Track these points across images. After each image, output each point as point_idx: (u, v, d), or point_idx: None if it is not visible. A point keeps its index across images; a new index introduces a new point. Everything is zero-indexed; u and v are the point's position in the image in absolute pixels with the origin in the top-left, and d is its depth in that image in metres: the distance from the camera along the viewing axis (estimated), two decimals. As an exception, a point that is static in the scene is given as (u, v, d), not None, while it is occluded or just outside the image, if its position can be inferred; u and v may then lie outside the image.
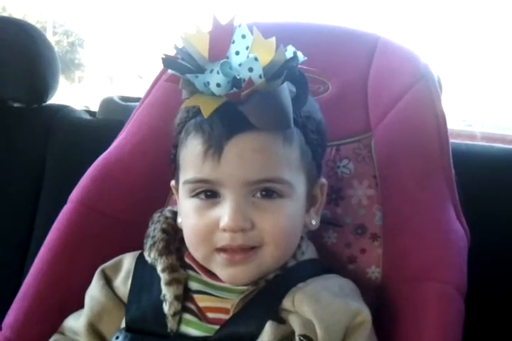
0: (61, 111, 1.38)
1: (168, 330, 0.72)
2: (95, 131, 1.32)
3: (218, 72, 0.65)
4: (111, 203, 0.89)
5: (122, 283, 0.78)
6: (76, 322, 0.79)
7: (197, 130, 0.71)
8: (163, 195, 0.92)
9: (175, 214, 0.81)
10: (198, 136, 0.71)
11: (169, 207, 0.85)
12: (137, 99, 1.01)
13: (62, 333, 0.81)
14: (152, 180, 0.91)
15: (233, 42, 0.68)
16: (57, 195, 0.96)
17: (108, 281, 0.79)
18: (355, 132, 0.91)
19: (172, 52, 0.70)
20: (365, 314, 0.71)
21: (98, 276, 0.80)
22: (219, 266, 0.72)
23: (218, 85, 0.66)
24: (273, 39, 0.68)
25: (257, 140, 0.69)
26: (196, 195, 0.72)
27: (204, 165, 0.69)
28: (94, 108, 1.58)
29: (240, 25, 0.68)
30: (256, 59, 0.65)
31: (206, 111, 0.66)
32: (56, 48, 1.44)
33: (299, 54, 0.69)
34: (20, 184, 1.30)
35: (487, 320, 1.01)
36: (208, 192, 0.71)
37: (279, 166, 0.71)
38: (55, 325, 0.81)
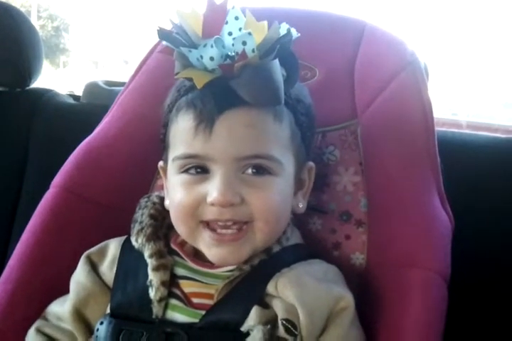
0: (45, 95, 1.37)
1: (154, 316, 0.72)
2: (79, 116, 1.31)
3: (212, 46, 0.66)
4: (94, 188, 0.89)
5: (108, 269, 0.78)
6: (60, 308, 0.79)
7: (188, 106, 0.71)
8: (147, 180, 0.92)
9: (162, 199, 0.81)
10: (190, 111, 0.71)
11: (156, 193, 0.85)
12: (122, 84, 1.00)
13: (46, 319, 0.80)
14: (136, 164, 0.91)
15: (226, 22, 0.69)
16: (40, 180, 0.95)
17: (94, 267, 0.79)
18: (341, 119, 0.90)
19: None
20: (348, 299, 0.71)
21: (83, 262, 0.79)
22: (206, 245, 0.72)
23: (212, 59, 0.67)
24: (265, 22, 0.68)
25: (248, 115, 0.69)
26: (185, 171, 0.72)
27: (195, 140, 0.70)
28: (79, 93, 1.56)
29: (233, 7, 0.69)
30: (250, 34, 0.66)
31: (199, 83, 0.67)
32: (41, 33, 1.42)
33: (293, 31, 0.69)
34: (4, 168, 1.29)
35: (470, 306, 1.02)
36: (198, 168, 0.71)
37: (269, 143, 0.71)
38: (40, 307, 0.81)
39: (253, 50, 0.66)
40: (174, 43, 0.68)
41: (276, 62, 0.67)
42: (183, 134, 0.72)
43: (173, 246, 0.78)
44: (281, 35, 0.67)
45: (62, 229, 0.86)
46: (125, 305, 0.73)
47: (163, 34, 0.69)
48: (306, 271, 0.73)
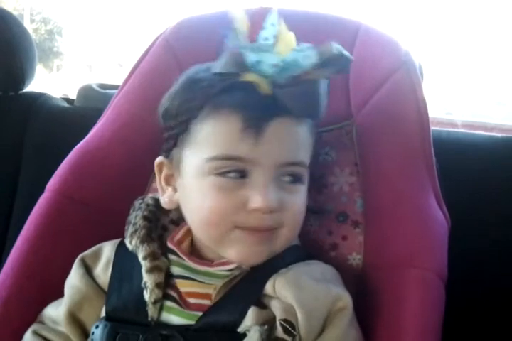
0: (38, 98, 1.36)
1: (149, 319, 0.71)
2: (73, 119, 1.30)
3: (273, 53, 0.67)
4: (89, 192, 0.88)
5: (102, 272, 0.78)
6: (56, 311, 0.78)
7: (234, 106, 0.69)
8: (142, 183, 0.92)
9: (156, 201, 0.80)
10: (235, 114, 0.69)
11: (150, 195, 0.84)
12: (116, 87, 0.99)
13: (42, 322, 0.80)
14: (131, 167, 0.90)
15: (264, 28, 0.70)
16: (35, 184, 0.94)
17: (88, 270, 0.79)
18: (336, 119, 0.90)
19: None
20: (346, 299, 0.71)
21: (78, 265, 0.79)
22: (234, 244, 0.71)
23: (273, 66, 0.67)
24: (292, 33, 0.70)
25: (292, 124, 0.71)
26: (222, 174, 0.70)
27: (241, 143, 0.69)
28: (74, 96, 1.55)
29: (271, 13, 0.70)
30: (312, 48, 0.68)
31: (264, 88, 0.68)
32: (34, 36, 1.42)
33: (346, 53, 0.70)
34: (-3, 172, 1.28)
35: (467, 305, 1.02)
36: (238, 172, 0.70)
37: (304, 152, 0.74)
38: (34, 314, 0.81)
39: (312, 65, 0.67)
40: (235, 41, 0.69)
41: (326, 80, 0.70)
42: (225, 135, 0.70)
43: (170, 245, 0.77)
44: (343, 54, 0.68)
45: (56, 233, 0.86)
46: (120, 308, 0.73)
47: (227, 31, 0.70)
48: (304, 271, 0.73)
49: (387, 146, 0.85)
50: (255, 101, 0.69)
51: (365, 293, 0.80)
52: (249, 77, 0.68)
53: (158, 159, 0.78)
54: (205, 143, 0.71)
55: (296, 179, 0.73)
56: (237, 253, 0.71)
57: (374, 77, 0.89)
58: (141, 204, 0.81)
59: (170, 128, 0.75)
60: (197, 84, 0.72)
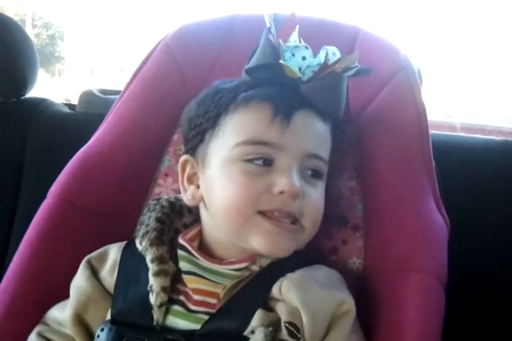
0: (40, 104, 1.37)
1: (154, 323, 0.71)
2: (75, 125, 1.31)
3: (307, 48, 0.75)
4: (91, 197, 0.88)
5: (109, 274, 0.78)
6: (61, 313, 0.78)
7: (263, 98, 0.74)
8: (144, 188, 0.92)
9: (171, 203, 0.81)
10: (265, 103, 0.73)
11: (166, 196, 0.84)
12: (117, 92, 1.00)
13: (46, 324, 0.80)
14: (133, 172, 0.91)
15: (288, 41, 0.77)
16: (37, 189, 0.95)
17: (94, 272, 0.79)
18: (336, 123, 0.91)
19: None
20: (350, 303, 0.71)
21: (84, 267, 0.79)
22: (262, 232, 0.72)
23: (303, 58, 0.75)
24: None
25: (316, 119, 0.76)
26: (249, 161, 0.72)
27: (270, 128, 0.72)
28: (76, 101, 1.56)
29: (295, 31, 0.77)
30: (336, 49, 0.76)
31: (294, 74, 0.73)
32: (36, 41, 1.43)
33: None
34: (0, 178, 1.29)
35: (468, 308, 1.02)
36: (265, 159, 0.72)
37: (325, 148, 0.77)
38: (36, 320, 0.81)
39: (336, 62, 0.74)
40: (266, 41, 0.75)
41: (346, 78, 0.76)
42: (254, 122, 0.73)
43: (181, 241, 0.77)
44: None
45: (58, 239, 0.86)
46: (126, 312, 0.73)
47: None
48: (310, 275, 0.73)
49: (387, 150, 0.86)
50: (283, 93, 0.74)
51: (365, 296, 0.80)
52: (286, 67, 0.73)
53: (184, 157, 0.80)
54: (234, 130, 0.74)
55: (317, 174, 0.76)
56: (261, 243, 0.72)
57: (373, 82, 0.89)
58: (156, 205, 0.81)
59: (196, 126, 0.77)
60: (225, 86, 0.77)
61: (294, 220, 0.73)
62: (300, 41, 0.77)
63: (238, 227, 0.73)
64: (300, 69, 0.75)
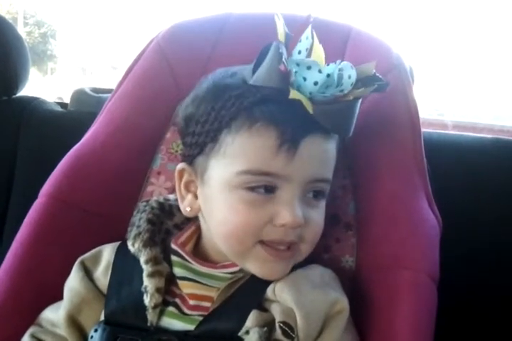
0: (32, 103, 1.36)
1: (148, 324, 0.72)
2: (66, 123, 1.30)
3: (320, 71, 0.67)
4: (83, 195, 0.88)
5: (102, 275, 0.78)
6: (55, 314, 0.78)
7: (268, 121, 0.68)
8: (136, 187, 0.92)
9: (161, 204, 0.81)
10: (270, 128, 0.68)
11: (155, 198, 0.84)
12: (109, 91, 1.00)
13: (40, 325, 0.80)
14: (125, 171, 0.90)
15: (300, 40, 0.70)
16: (29, 189, 0.94)
17: (87, 273, 0.79)
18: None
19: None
20: (344, 303, 0.72)
21: (77, 268, 0.79)
22: (259, 260, 0.71)
23: (316, 83, 0.67)
24: (321, 46, 0.71)
25: (322, 142, 0.71)
26: (251, 189, 0.70)
27: (276, 159, 0.68)
28: (68, 99, 1.55)
29: (308, 26, 0.70)
30: (352, 67, 0.69)
31: (308, 107, 0.67)
32: (28, 39, 1.42)
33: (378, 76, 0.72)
34: (-9, 178, 1.28)
35: (460, 306, 1.03)
36: (268, 187, 0.70)
37: (330, 167, 0.74)
38: (30, 320, 0.80)
39: (352, 84, 0.68)
40: (275, 54, 0.68)
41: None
42: (258, 151, 0.69)
43: (174, 246, 0.77)
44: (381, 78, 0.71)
45: (50, 238, 0.85)
46: (119, 312, 0.73)
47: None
48: (304, 275, 0.73)
49: (379, 149, 0.86)
50: (291, 116, 0.68)
51: (358, 294, 0.80)
52: (294, 94, 0.67)
53: (180, 165, 0.77)
54: (237, 156, 0.70)
55: (319, 194, 0.74)
56: (263, 269, 0.72)
57: (365, 81, 0.89)
58: (145, 206, 0.81)
59: (195, 134, 0.73)
60: (226, 93, 0.71)
61: (290, 245, 0.72)
62: (312, 37, 0.71)
63: (238, 254, 0.73)
64: (311, 93, 0.68)
